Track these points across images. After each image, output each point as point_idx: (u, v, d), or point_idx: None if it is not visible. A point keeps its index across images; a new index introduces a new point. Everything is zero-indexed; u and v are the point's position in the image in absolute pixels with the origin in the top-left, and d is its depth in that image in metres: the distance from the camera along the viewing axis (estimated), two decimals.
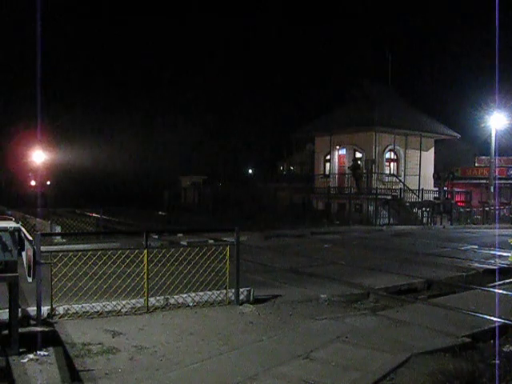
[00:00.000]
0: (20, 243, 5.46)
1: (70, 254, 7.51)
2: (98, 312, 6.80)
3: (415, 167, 30.56)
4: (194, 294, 7.53)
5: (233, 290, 7.58)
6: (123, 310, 6.97)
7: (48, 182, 50.82)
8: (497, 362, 5.45)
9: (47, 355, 5.29)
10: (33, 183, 49.24)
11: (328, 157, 32.13)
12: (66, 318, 6.58)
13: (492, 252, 14.36)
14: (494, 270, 10.96)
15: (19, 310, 5.77)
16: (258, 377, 4.81)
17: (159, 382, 4.73)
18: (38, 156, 43.28)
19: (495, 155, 30.62)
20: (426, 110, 33.39)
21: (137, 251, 7.82)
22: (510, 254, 12.56)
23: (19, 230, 5.49)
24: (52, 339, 5.75)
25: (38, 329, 6.13)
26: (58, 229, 15.09)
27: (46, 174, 47.52)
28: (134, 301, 7.13)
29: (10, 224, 5.64)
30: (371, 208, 25.86)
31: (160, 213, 33.43)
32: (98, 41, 72.64)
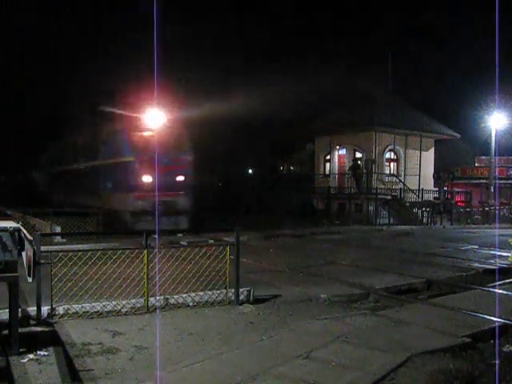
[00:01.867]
0: (20, 243, 5.46)
1: (70, 253, 7.50)
2: (98, 312, 6.80)
3: (415, 167, 30.56)
4: (193, 294, 7.53)
5: (233, 290, 7.58)
6: (123, 310, 6.97)
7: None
8: (497, 362, 5.45)
9: (47, 355, 5.29)
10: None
11: (328, 157, 32.14)
12: (65, 317, 6.58)
13: (492, 252, 14.37)
14: (494, 270, 10.96)
15: (19, 309, 5.78)
16: (258, 377, 4.81)
17: (159, 382, 4.73)
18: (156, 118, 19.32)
19: (495, 155, 30.61)
20: (426, 110, 33.40)
21: (137, 251, 7.82)
22: (510, 254, 12.56)
23: (19, 230, 5.49)
24: (52, 339, 5.75)
25: (38, 329, 6.14)
26: (58, 229, 15.06)
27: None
28: (133, 301, 7.13)
29: (10, 224, 5.64)
30: (371, 208, 25.85)
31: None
32: None
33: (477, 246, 15.79)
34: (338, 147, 31.21)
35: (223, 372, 4.95)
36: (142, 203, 17.86)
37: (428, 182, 30.41)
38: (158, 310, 7.09)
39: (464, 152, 40.15)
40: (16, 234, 5.40)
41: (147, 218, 16.86)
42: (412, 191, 27.84)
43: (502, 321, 6.78)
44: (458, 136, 33.11)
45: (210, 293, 7.64)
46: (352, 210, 26.37)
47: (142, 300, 7.11)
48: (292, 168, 46.04)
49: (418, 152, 30.68)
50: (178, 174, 19.42)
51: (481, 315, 7.03)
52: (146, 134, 19.32)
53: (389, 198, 26.75)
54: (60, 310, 6.66)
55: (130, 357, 5.35)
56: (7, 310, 5.56)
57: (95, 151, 22.03)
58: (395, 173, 30.00)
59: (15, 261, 5.38)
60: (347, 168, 29.39)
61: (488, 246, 15.77)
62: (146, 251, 7.12)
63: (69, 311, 6.68)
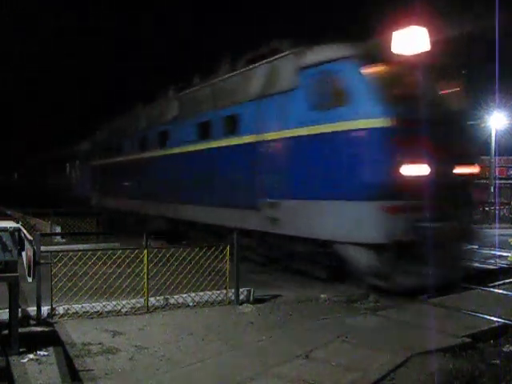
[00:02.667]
0: (20, 243, 5.46)
1: (70, 253, 7.50)
2: (98, 312, 6.80)
3: None
4: (193, 294, 7.53)
5: (233, 290, 7.57)
6: (123, 310, 6.97)
7: None
8: (497, 361, 5.45)
9: (47, 355, 5.29)
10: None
11: None
12: (65, 317, 6.58)
13: (492, 252, 14.35)
14: (494, 270, 10.95)
15: (19, 309, 5.78)
16: (257, 377, 4.81)
17: (159, 382, 4.73)
18: None
19: (495, 155, 30.64)
20: None
21: (137, 251, 7.82)
22: (510, 254, 12.56)
23: (19, 230, 5.49)
24: (52, 339, 5.75)
25: (38, 329, 6.15)
26: (58, 229, 15.08)
27: None
28: (133, 301, 7.13)
29: (10, 224, 5.64)
30: None
31: None
32: None
33: (477, 246, 15.76)
34: None
35: (223, 372, 4.95)
36: (402, 225, 8.00)
37: None
38: (157, 310, 7.09)
39: None
40: (16, 233, 5.40)
41: (415, 265, 8.02)
42: None
43: (502, 321, 6.78)
44: None
45: (209, 293, 7.63)
46: None
47: (142, 300, 7.11)
48: None
49: None
50: (464, 162, 9.16)
51: (481, 315, 7.03)
52: (399, 68, 9.00)
53: None
54: (60, 309, 6.66)
55: (130, 357, 5.34)
56: (7, 310, 5.56)
57: (232, 117, 11.50)
58: None
59: (15, 261, 5.38)
60: None
61: (488, 246, 15.75)
62: (146, 251, 7.13)
63: (69, 311, 6.68)
